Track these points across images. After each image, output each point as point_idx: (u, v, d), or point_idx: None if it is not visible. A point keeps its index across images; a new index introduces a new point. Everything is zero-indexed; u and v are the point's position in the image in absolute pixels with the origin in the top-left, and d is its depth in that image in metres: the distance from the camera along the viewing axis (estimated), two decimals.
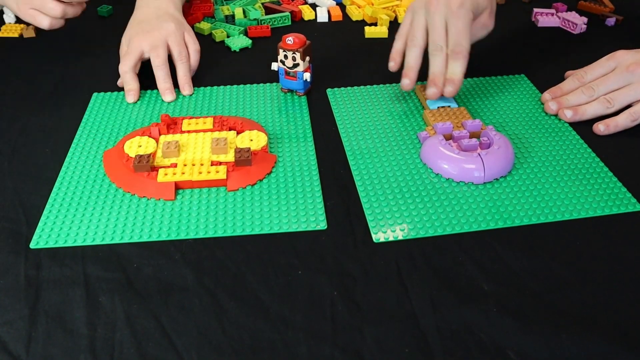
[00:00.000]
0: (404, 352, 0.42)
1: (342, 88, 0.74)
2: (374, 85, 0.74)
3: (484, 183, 0.57)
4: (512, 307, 0.45)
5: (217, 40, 0.87)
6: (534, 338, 0.43)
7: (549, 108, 0.68)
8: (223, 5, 0.95)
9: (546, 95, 0.70)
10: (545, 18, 0.91)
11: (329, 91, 0.73)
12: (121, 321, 0.45)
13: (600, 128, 0.65)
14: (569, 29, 0.89)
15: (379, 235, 0.51)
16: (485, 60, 0.81)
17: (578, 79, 0.69)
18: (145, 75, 0.76)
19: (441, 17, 0.64)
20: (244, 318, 0.45)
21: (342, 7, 0.97)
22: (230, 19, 0.92)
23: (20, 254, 0.51)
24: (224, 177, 0.57)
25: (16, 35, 0.88)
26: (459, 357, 0.42)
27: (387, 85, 0.74)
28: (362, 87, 0.74)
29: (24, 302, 0.46)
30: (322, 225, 0.53)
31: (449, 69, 0.65)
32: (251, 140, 0.61)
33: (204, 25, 0.89)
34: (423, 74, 0.77)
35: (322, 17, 0.93)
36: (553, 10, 0.92)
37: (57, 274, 0.49)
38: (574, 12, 0.92)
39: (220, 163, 0.58)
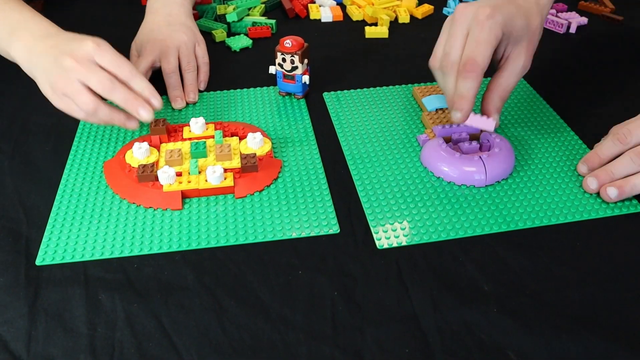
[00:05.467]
0: (405, 352, 0.42)
1: (339, 91, 0.74)
2: (370, 88, 0.74)
3: (486, 186, 0.57)
4: (513, 308, 0.45)
5: (217, 40, 0.87)
6: (534, 338, 0.43)
7: (587, 186, 0.56)
8: (221, 4, 0.95)
9: (581, 167, 0.58)
10: None
11: (325, 95, 0.73)
12: (121, 320, 0.45)
13: (611, 194, 0.54)
14: (555, 29, 0.88)
15: (383, 242, 0.51)
16: None
17: (620, 140, 0.55)
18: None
19: (463, 27, 0.55)
20: (244, 318, 0.45)
21: (343, 7, 0.97)
22: (222, 17, 0.92)
23: (21, 252, 0.51)
24: (231, 184, 0.56)
25: None
26: (460, 358, 0.42)
27: (384, 87, 0.74)
28: (358, 90, 0.74)
29: (23, 301, 0.46)
30: (335, 229, 0.53)
31: (457, 88, 0.55)
32: None
33: None
34: (418, 77, 0.77)
35: (326, 16, 0.93)
36: (553, 11, 0.92)
37: (57, 273, 0.49)
38: (573, 12, 0.92)
39: (225, 170, 0.58)
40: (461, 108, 0.55)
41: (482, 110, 0.58)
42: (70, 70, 0.56)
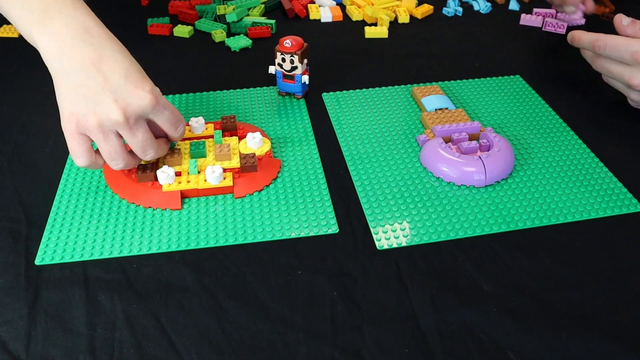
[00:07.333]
0: (404, 352, 0.42)
1: (338, 92, 0.74)
2: (369, 89, 0.74)
3: (485, 186, 0.57)
4: (512, 308, 0.45)
5: (217, 40, 0.87)
6: (534, 338, 0.43)
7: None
8: (221, 4, 0.95)
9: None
10: (530, 18, 0.91)
11: (324, 95, 0.73)
12: (121, 321, 0.45)
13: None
14: (555, 31, 0.88)
15: (383, 243, 0.51)
16: (480, 61, 0.81)
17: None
18: None
19: None
20: (243, 318, 0.45)
21: (343, 7, 0.97)
22: (221, 18, 0.92)
23: (20, 253, 0.51)
24: (231, 184, 0.56)
25: (16, 35, 0.88)
26: (459, 358, 0.42)
27: (383, 88, 0.74)
28: (357, 90, 0.74)
29: (23, 301, 0.46)
30: (334, 229, 0.53)
31: None
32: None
33: (184, 29, 0.89)
34: (417, 77, 0.77)
35: (326, 17, 0.93)
36: (553, 11, 0.92)
37: (56, 273, 0.49)
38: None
39: (225, 170, 0.58)
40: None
41: None
42: (113, 123, 0.49)
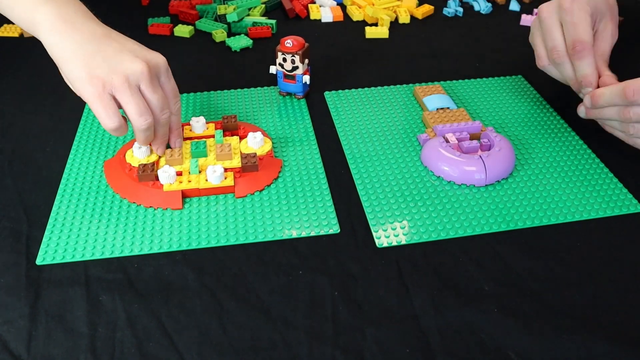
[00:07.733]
0: (405, 352, 0.42)
1: (340, 91, 0.74)
2: (372, 88, 0.74)
3: (486, 185, 0.57)
4: (513, 308, 0.45)
5: (218, 40, 0.87)
6: (534, 338, 0.43)
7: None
8: (222, 4, 0.95)
9: (586, 100, 0.59)
10: (530, 18, 0.90)
11: (326, 94, 0.73)
12: (122, 321, 0.45)
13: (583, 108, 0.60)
14: None
15: (382, 241, 0.51)
16: (480, 61, 0.81)
17: (626, 95, 0.53)
18: None
19: (554, 19, 0.60)
20: (244, 318, 0.45)
21: (343, 7, 0.97)
22: (222, 17, 0.92)
23: (21, 253, 0.51)
24: (232, 183, 0.56)
25: (16, 35, 0.88)
26: (460, 358, 0.42)
27: (385, 87, 0.74)
28: (359, 89, 0.74)
29: (24, 301, 0.46)
30: (335, 229, 0.53)
31: (577, 71, 0.59)
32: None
33: (185, 29, 0.89)
34: (418, 77, 0.77)
35: (327, 17, 0.93)
36: None
37: (57, 273, 0.49)
38: None
39: (226, 169, 0.58)
40: (589, 83, 0.59)
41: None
42: (138, 74, 0.52)
